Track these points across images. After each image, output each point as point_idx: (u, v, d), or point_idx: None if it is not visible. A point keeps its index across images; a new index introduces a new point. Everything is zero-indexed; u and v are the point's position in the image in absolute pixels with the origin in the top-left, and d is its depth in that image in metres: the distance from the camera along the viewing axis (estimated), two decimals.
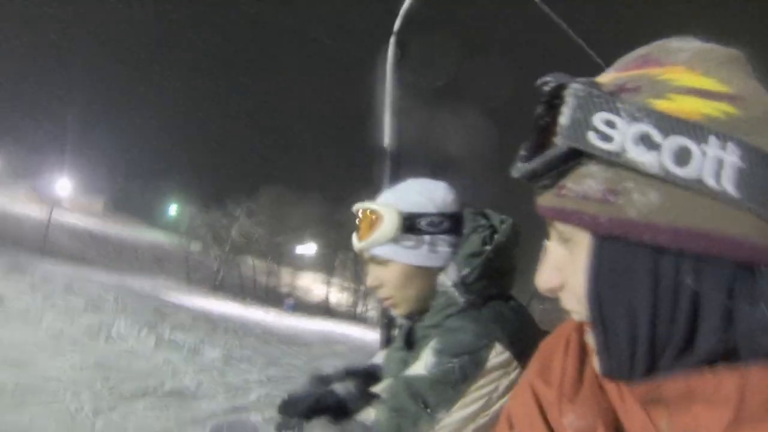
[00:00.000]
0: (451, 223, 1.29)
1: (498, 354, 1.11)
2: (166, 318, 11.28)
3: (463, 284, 1.21)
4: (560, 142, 0.52)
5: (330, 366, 1.64)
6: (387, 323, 1.90)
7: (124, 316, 9.64)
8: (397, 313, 1.36)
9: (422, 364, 1.16)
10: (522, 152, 0.56)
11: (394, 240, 1.27)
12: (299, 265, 52.15)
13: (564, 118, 0.51)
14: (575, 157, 0.52)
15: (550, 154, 0.53)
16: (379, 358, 1.64)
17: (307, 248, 49.78)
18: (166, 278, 31.77)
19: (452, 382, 1.09)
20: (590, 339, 0.58)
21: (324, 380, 1.47)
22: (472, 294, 1.21)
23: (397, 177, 1.51)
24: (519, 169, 0.56)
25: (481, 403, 1.09)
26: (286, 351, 11.22)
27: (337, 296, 52.35)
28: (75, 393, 4.65)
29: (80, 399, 4.54)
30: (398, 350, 1.40)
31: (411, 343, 1.35)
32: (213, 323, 13.15)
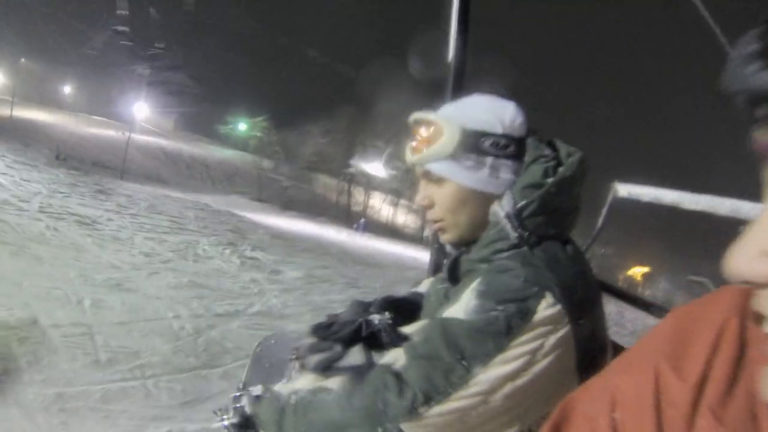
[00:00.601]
0: (518, 148, 1.17)
1: (548, 306, 1.00)
2: (245, 237, 11.77)
3: (517, 217, 1.11)
4: None
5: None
6: (438, 249, 1.77)
7: (206, 235, 10.18)
8: (445, 239, 1.27)
9: (462, 307, 1.06)
10: (754, 51, 0.39)
11: (453, 157, 1.17)
12: (370, 185, 52.75)
13: None
14: None
15: None
16: (424, 286, 1.59)
17: (377, 168, 50.03)
18: (238, 195, 33.06)
19: (493, 333, 0.99)
20: None
21: (363, 307, 1.40)
22: (525, 230, 1.11)
23: (459, 96, 1.32)
24: (756, 77, 0.39)
25: (522, 361, 0.98)
26: (362, 272, 11.51)
27: (404, 218, 52.95)
28: (175, 312, 5.00)
29: (181, 317, 4.88)
30: (441, 282, 1.33)
31: (455, 277, 1.26)
32: (290, 242, 13.63)
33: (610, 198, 2.09)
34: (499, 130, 1.16)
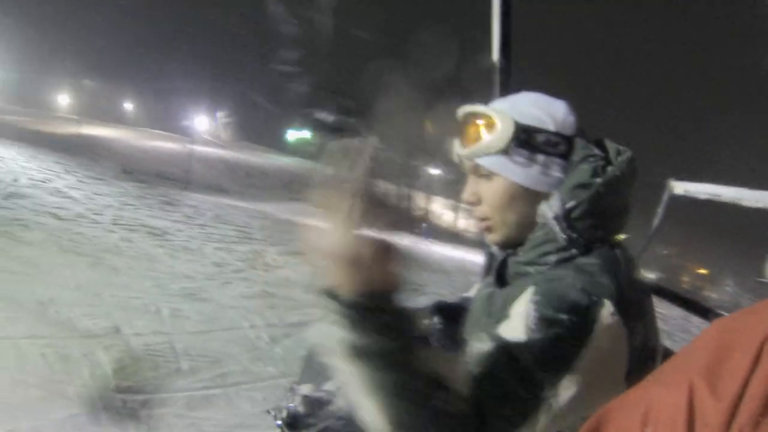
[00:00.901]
0: (569, 147, 1.14)
1: (609, 315, 0.96)
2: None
3: (566, 219, 1.08)
4: None
5: None
6: (491, 252, 1.66)
7: (273, 244, 10.31)
8: (491, 239, 1.23)
9: (522, 323, 0.99)
10: None
11: (505, 151, 1.13)
12: (431, 189, 52.74)
13: None
14: None
15: None
16: (473, 290, 1.55)
17: (435, 171, 49.93)
18: (298, 203, 33.54)
19: (562, 358, 0.93)
20: None
21: (413, 314, 1.29)
22: (574, 232, 1.08)
23: (507, 94, 1.30)
24: None
25: (591, 378, 0.94)
26: (429, 279, 11.45)
27: (465, 222, 52.61)
28: (250, 321, 5.06)
29: (256, 327, 4.94)
30: (488, 285, 1.28)
31: (503, 280, 1.22)
32: None
33: (666, 196, 2.07)
34: (551, 127, 1.14)
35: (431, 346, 1.13)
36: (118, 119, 56.34)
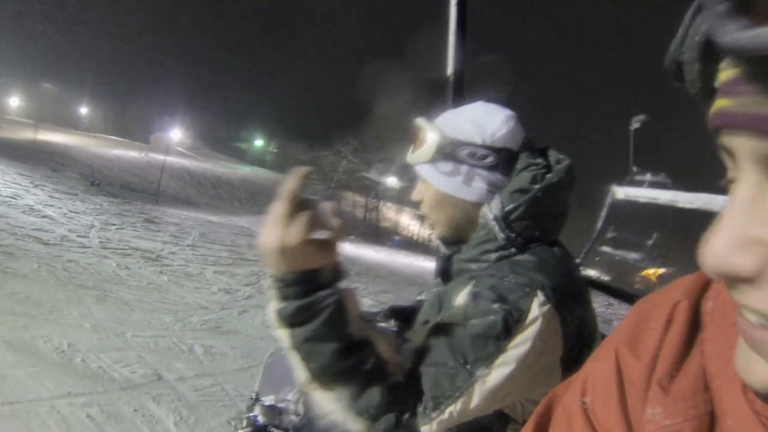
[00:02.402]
0: (498, 159, 1.26)
1: (540, 305, 1.09)
2: None
3: (504, 220, 1.21)
4: None
5: None
6: (441, 255, 1.80)
7: (251, 262, 10.16)
8: (434, 234, 1.37)
9: (461, 312, 1.13)
10: (726, 9, 0.34)
11: (432, 162, 1.28)
12: (398, 200, 52.63)
13: None
14: None
15: None
16: (424, 295, 1.64)
17: (393, 181, 49.74)
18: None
19: (493, 337, 1.07)
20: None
21: (371, 317, 1.48)
22: (513, 232, 1.21)
23: (459, 104, 1.45)
24: (736, 36, 0.33)
25: (522, 359, 1.07)
26: (396, 288, 11.47)
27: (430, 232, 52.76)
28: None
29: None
30: (437, 285, 1.42)
31: (448, 276, 1.36)
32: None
33: (608, 200, 2.28)
34: (477, 141, 1.26)
35: (367, 320, 1.24)
36: (73, 124, 54.91)
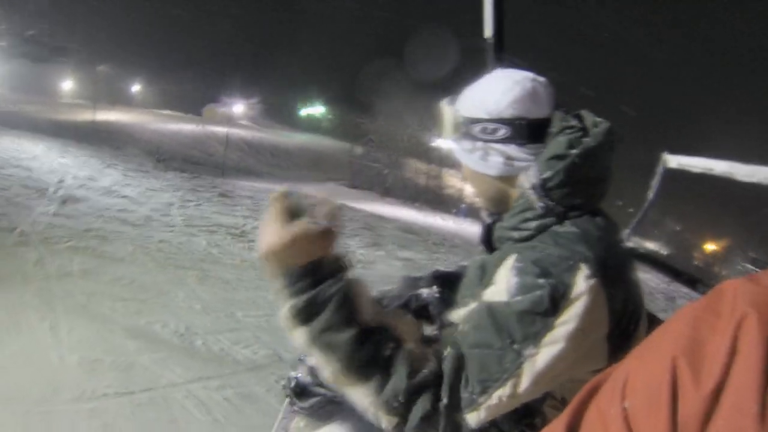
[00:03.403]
0: (511, 130, 1.25)
1: (586, 278, 1.07)
2: (382, 234, 11.80)
3: (542, 188, 1.19)
4: None
5: None
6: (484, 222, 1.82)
7: (348, 236, 10.26)
8: (480, 206, 1.40)
9: (503, 287, 1.12)
10: None
11: (456, 141, 1.33)
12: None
13: None
14: None
15: None
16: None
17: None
18: (334, 183, 33.36)
19: (540, 313, 1.05)
20: None
21: (414, 282, 1.54)
22: (551, 200, 1.19)
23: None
24: None
25: (570, 337, 1.05)
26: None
27: None
28: None
29: None
30: (481, 253, 1.42)
31: (490, 244, 1.36)
32: (422, 237, 13.56)
33: (660, 169, 2.23)
34: (484, 115, 1.26)
35: (380, 305, 1.36)
36: (127, 102, 56.48)
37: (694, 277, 1.79)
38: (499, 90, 1.27)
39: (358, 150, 41.93)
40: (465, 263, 1.61)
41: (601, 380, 0.63)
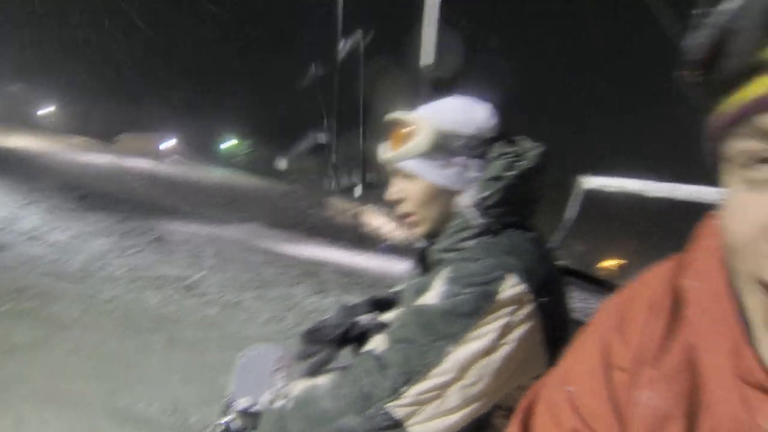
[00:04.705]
0: (487, 149, 1.34)
1: (512, 286, 1.16)
2: (325, 280, 11.67)
3: (480, 207, 1.28)
4: None
5: None
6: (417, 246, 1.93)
7: (292, 285, 10.12)
8: (416, 232, 1.42)
9: (434, 294, 1.21)
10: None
11: (425, 156, 1.32)
12: (378, 203, 52.45)
13: None
14: None
15: None
16: (403, 284, 1.71)
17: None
18: (257, 223, 32.58)
19: (463, 314, 1.14)
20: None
21: (350, 310, 1.58)
22: (489, 218, 1.28)
23: (436, 97, 1.49)
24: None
25: (491, 337, 1.13)
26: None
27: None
28: None
29: None
30: (416, 276, 1.49)
31: (426, 267, 1.43)
32: (362, 279, 13.47)
33: (577, 191, 2.39)
34: (470, 131, 1.33)
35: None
36: (35, 125, 53.32)
37: (614, 285, 1.90)
38: (485, 110, 1.37)
39: (280, 188, 41.45)
40: (398, 288, 1.72)
41: (545, 380, 0.75)
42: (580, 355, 0.70)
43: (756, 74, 0.43)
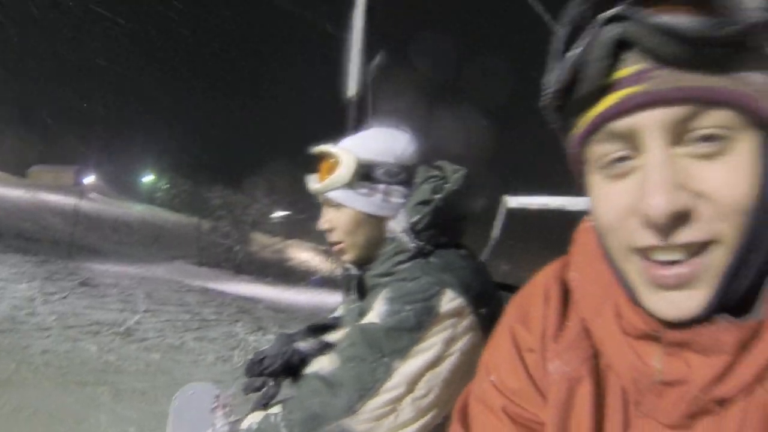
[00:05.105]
0: (409, 175, 1.41)
1: (450, 300, 1.23)
2: (259, 318, 11.49)
3: (412, 231, 1.34)
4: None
5: None
6: (348, 276, 2.03)
7: (230, 323, 9.89)
8: (345, 259, 1.49)
9: (375, 313, 1.27)
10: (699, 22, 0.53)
11: (350, 185, 1.39)
12: (302, 237, 51.40)
13: None
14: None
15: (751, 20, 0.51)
16: (339, 311, 1.78)
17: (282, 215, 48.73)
18: (182, 261, 31.56)
19: (407, 329, 1.20)
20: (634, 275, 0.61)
21: (289, 338, 1.59)
22: (421, 240, 1.34)
23: (360, 128, 1.57)
24: (709, 28, 0.52)
25: (436, 349, 1.20)
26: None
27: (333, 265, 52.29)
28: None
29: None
30: (353, 302, 1.55)
31: (363, 293, 1.48)
32: (296, 315, 13.25)
33: (501, 211, 2.46)
34: (391, 160, 1.40)
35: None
36: None
37: None
38: (404, 139, 1.44)
39: (206, 225, 40.31)
40: (335, 315, 1.75)
41: (471, 384, 0.84)
42: (496, 348, 0.82)
43: (603, 94, 0.58)
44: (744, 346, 0.57)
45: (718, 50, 0.52)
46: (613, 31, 0.55)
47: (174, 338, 7.84)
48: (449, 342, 1.21)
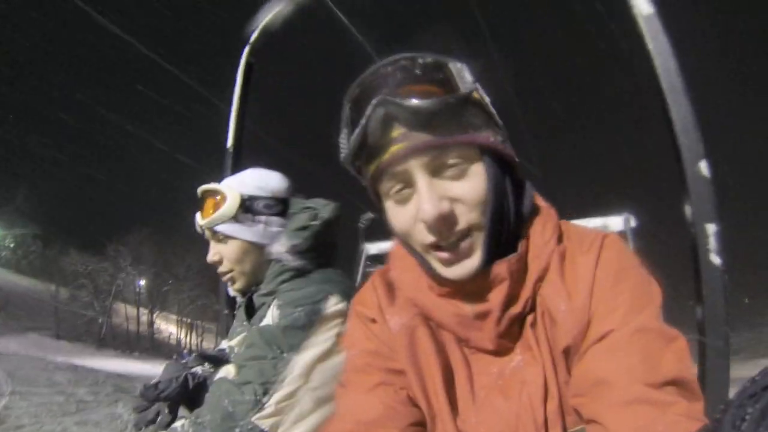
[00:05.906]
0: (283, 207, 1.61)
1: (335, 304, 1.42)
2: (131, 392, 10.57)
3: (295, 252, 1.52)
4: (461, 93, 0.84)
5: None
6: (225, 315, 2.29)
7: (106, 405, 9.03)
8: (235, 288, 1.65)
9: (269, 318, 1.44)
10: (416, 99, 0.83)
11: (235, 218, 1.56)
12: (168, 309, 48.70)
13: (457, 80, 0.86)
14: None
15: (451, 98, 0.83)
16: (224, 344, 1.84)
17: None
18: (36, 334, 28.69)
19: (300, 327, 1.37)
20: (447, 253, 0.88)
21: (181, 366, 1.66)
22: (303, 260, 1.53)
23: (237, 170, 1.78)
24: (424, 105, 0.82)
25: (325, 344, 1.37)
26: None
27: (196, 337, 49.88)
28: None
29: None
30: (241, 326, 1.68)
31: (251, 315, 1.62)
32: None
33: (363, 256, 2.68)
34: (268, 194, 1.60)
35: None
36: None
37: None
38: (277, 177, 1.63)
39: (64, 293, 37.06)
40: (221, 347, 1.79)
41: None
42: (350, 329, 1.05)
43: (383, 150, 0.84)
44: (515, 272, 0.87)
45: (447, 114, 0.81)
46: (381, 111, 0.82)
47: (53, 424, 7.11)
48: (339, 339, 1.34)
